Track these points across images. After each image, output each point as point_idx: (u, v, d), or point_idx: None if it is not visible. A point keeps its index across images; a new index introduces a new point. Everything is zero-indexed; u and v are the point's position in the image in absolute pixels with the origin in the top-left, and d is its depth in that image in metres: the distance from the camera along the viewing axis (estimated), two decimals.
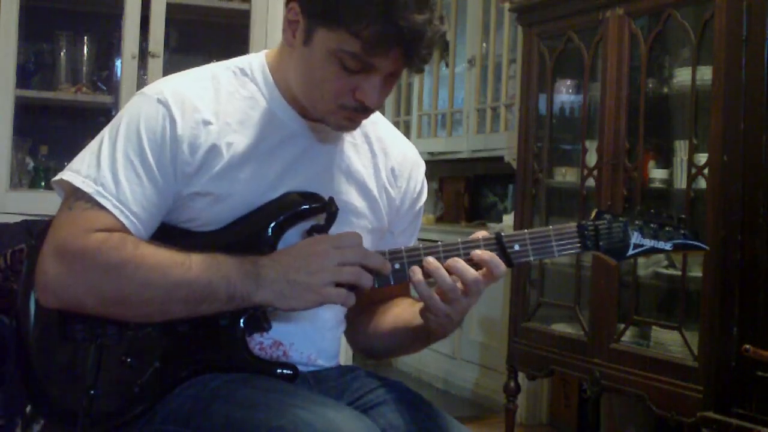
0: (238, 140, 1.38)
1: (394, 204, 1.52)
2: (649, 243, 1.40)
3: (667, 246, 1.40)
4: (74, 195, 1.35)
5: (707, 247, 1.44)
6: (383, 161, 1.51)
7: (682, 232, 1.41)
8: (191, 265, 1.30)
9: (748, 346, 2.22)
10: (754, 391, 2.42)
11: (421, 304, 1.39)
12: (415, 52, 1.27)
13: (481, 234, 1.37)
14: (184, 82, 1.41)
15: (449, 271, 1.32)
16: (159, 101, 1.36)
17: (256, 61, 1.45)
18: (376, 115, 1.51)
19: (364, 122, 1.43)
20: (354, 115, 1.36)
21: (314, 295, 1.30)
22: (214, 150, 1.36)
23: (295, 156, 1.41)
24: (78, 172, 1.35)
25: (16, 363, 1.39)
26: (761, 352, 2.23)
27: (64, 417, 1.34)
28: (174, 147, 1.35)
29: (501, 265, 1.33)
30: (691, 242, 1.41)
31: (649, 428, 3.26)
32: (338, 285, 1.31)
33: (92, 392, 1.32)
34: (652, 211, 1.42)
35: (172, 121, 1.35)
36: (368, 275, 1.32)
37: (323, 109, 1.36)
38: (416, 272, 1.33)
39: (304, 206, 1.38)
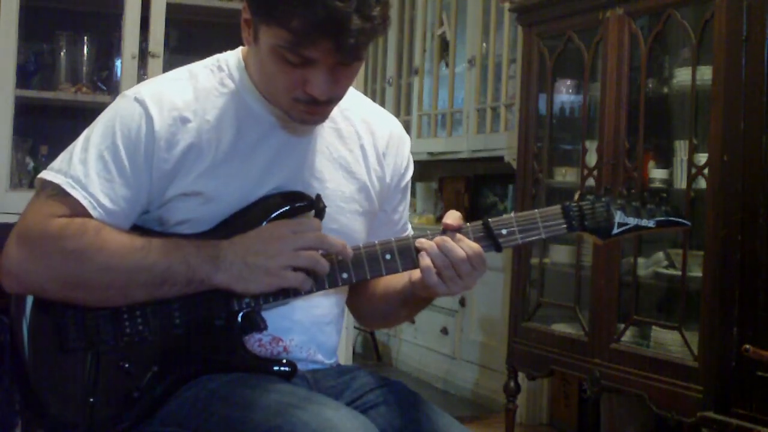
0: (219, 137, 1.38)
1: (385, 182, 1.53)
2: (633, 221, 1.42)
3: (651, 223, 1.42)
4: (43, 188, 1.37)
5: (689, 223, 1.45)
6: (370, 142, 1.51)
7: (664, 209, 1.42)
8: (151, 249, 1.31)
9: (748, 346, 2.22)
10: (754, 391, 2.42)
11: (413, 271, 1.40)
12: (342, 42, 1.24)
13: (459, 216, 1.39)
14: (162, 82, 1.42)
15: (439, 249, 1.34)
16: (136, 100, 1.37)
17: (232, 58, 1.45)
18: (357, 97, 1.51)
19: (345, 105, 1.44)
20: (311, 108, 1.35)
21: (272, 278, 1.32)
22: (194, 148, 1.37)
23: (277, 149, 1.41)
24: (51, 168, 1.37)
25: (12, 375, 1.37)
26: (761, 352, 2.23)
27: (64, 427, 1.34)
28: (150, 144, 1.35)
29: (476, 249, 1.35)
30: (673, 219, 1.43)
31: (649, 428, 3.26)
32: (296, 269, 1.32)
33: (91, 400, 1.32)
34: (632, 190, 1.43)
35: (149, 119, 1.36)
36: (324, 261, 1.33)
37: (282, 105, 1.36)
38: (424, 257, 1.34)
39: (285, 207, 1.38)
